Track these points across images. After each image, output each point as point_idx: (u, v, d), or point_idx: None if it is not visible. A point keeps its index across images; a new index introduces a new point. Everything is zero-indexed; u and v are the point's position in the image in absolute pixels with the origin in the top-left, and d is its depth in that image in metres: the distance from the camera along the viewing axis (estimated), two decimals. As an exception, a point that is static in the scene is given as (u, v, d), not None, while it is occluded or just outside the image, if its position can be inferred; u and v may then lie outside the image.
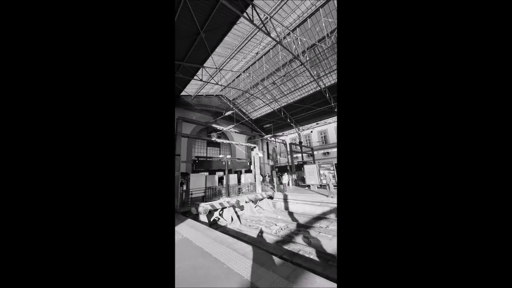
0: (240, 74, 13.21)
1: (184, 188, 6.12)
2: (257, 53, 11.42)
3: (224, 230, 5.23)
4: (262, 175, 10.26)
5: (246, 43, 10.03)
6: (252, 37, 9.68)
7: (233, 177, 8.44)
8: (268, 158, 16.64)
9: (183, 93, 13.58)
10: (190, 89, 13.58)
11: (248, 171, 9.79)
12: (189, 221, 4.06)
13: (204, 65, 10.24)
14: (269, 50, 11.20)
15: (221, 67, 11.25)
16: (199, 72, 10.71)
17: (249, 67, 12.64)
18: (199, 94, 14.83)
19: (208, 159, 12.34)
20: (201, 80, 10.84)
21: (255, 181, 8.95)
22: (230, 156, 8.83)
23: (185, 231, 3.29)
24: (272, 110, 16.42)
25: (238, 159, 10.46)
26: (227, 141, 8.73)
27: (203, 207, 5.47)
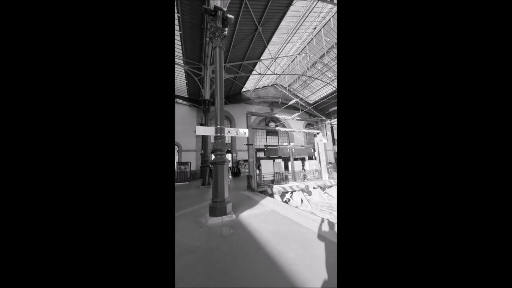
0: (296, 57, 12.51)
1: (258, 172, 7.19)
2: (315, 28, 10.21)
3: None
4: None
5: (304, 20, 9.22)
6: (310, 12, 8.74)
7: (297, 164, 8.66)
8: (334, 144, 15.07)
9: (243, 90, 15.12)
10: (249, 85, 14.79)
11: (311, 158, 9.58)
12: (268, 198, 4.85)
13: (261, 58, 10.69)
14: (329, 19, 9.63)
15: (276, 56, 11.24)
16: (257, 66, 11.37)
17: (305, 46, 11.64)
18: (256, 87, 15.84)
19: (268, 148, 13.31)
20: (259, 73, 11.50)
21: (320, 168, 8.65)
22: (293, 143, 9.04)
23: (270, 205, 4.01)
24: (334, 89, 14.36)
25: (302, 146, 10.48)
26: (289, 129, 8.93)
27: (277, 188, 6.22)
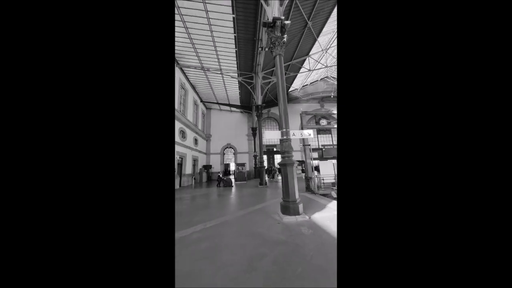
0: (351, 42, 10.91)
1: (316, 173, 6.84)
2: None
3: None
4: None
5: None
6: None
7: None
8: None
9: (290, 89, 14.91)
10: (296, 83, 14.39)
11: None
12: (335, 202, 4.50)
13: (310, 53, 10.17)
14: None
15: (328, 46, 10.31)
16: (305, 62, 10.91)
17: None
18: (304, 84, 15.16)
19: (326, 147, 12.29)
20: (308, 70, 10.98)
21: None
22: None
23: (341, 210, 3.73)
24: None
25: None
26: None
27: (342, 192, 5.66)
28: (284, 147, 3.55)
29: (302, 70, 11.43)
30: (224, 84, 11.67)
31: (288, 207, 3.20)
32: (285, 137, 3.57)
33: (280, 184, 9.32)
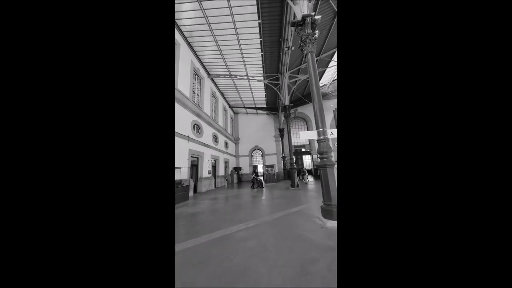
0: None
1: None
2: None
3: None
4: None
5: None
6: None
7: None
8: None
9: (318, 86, 14.09)
10: (325, 79, 13.52)
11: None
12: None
13: (340, 45, 9.40)
14: None
15: (361, 34, 9.29)
16: (335, 55, 10.14)
17: None
18: (334, 79, 14.09)
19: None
20: (339, 63, 10.16)
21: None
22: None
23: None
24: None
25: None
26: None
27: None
28: (322, 147, 3.39)
29: (331, 64, 10.66)
30: (251, 88, 12.04)
31: (331, 211, 3.01)
32: (322, 136, 3.40)
33: (310, 186, 8.86)
